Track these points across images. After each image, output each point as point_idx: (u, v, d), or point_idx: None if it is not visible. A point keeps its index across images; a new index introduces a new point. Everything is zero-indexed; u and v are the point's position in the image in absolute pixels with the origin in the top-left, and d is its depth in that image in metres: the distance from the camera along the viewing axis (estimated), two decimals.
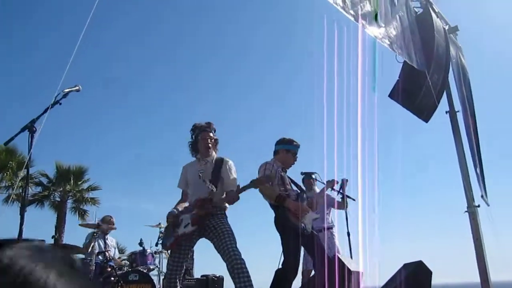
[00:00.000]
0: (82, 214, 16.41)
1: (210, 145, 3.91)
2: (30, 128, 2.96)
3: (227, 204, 3.76)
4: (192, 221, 3.59)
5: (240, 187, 3.60)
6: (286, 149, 4.23)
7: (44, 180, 16.41)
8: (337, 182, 4.82)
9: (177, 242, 3.64)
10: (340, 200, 5.31)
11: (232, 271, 3.37)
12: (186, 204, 3.89)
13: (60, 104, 3.09)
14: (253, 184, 3.62)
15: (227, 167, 3.84)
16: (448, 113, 6.09)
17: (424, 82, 5.46)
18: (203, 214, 3.60)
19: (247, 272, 3.36)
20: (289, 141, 4.26)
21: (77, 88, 3.20)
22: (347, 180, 4.99)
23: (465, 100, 6.23)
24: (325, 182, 4.79)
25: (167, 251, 3.83)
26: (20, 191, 15.05)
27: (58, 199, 16.71)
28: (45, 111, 3.03)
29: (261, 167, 4.12)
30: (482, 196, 5.63)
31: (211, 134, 3.95)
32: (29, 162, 2.91)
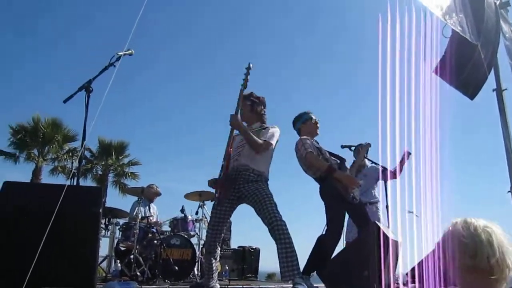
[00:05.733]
0: (123, 187, 17.00)
1: (245, 113, 3.96)
2: (87, 88, 3.13)
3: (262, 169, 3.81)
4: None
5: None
6: (303, 122, 4.36)
7: (87, 154, 17.06)
8: (369, 145, 4.85)
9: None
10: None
11: (273, 232, 3.41)
12: None
13: (115, 66, 3.24)
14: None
15: (265, 130, 3.90)
16: (495, 91, 5.92)
17: (473, 56, 5.31)
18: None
19: (288, 233, 3.40)
20: (299, 115, 4.41)
21: (130, 51, 3.33)
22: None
23: None
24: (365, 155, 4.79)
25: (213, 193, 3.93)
26: (65, 163, 15.74)
27: (100, 172, 17.40)
28: (101, 72, 3.19)
29: (298, 144, 4.14)
30: None
31: (247, 103, 3.96)
32: (86, 121, 3.07)
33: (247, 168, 3.75)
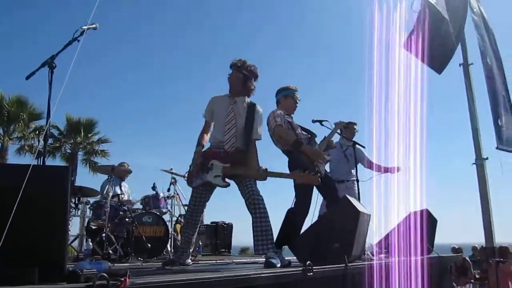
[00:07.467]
0: (93, 166, 16.71)
1: (235, 85, 3.78)
2: (50, 63, 3.00)
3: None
4: (223, 176, 3.53)
5: (270, 172, 3.51)
6: (285, 95, 4.36)
7: (55, 132, 16.62)
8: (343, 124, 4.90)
9: (203, 185, 3.67)
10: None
11: (249, 205, 3.45)
12: (207, 137, 3.81)
13: (79, 41, 3.11)
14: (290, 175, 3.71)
15: (259, 116, 3.77)
16: (461, 66, 6.06)
17: (441, 32, 5.40)
18: (236, 174, 3.56)
19: (265, 207, 3.42)
20: (285, 88, 4.40)
21: (94, 26, 3.20)
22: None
23: (491, 52, 6.14)
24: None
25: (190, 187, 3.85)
26: (32, 142, 15.33)
27: (69, 151, 17.02)
28: (64, 47, 3.07)
29: (269, 117, 4.16)
30: (497, 147, 5.71)
31: (238, 74, 3.75)
32: (50, 99, 2.94)
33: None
